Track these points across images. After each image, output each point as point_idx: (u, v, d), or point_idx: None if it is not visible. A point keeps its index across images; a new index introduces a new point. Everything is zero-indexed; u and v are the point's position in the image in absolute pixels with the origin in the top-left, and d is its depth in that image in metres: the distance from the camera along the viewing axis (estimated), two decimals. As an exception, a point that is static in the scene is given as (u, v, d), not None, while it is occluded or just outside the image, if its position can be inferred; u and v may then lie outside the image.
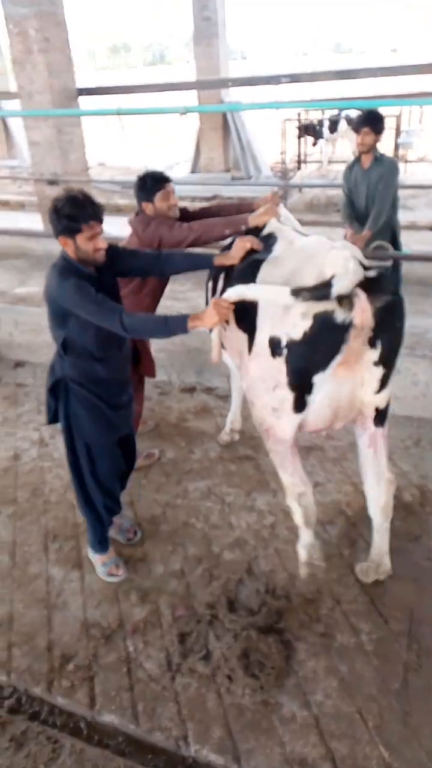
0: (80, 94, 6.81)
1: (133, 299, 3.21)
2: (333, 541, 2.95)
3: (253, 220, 2.78)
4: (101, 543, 2.88)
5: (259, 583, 2.72)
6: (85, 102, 7.27)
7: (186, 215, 3.26)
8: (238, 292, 2.30)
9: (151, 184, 3.10)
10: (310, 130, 10.72)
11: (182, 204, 3.28)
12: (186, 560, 2.91)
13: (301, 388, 2.27)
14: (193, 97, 11.07)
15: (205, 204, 4.06)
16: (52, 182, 6.87)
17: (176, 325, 2.34)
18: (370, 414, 2.42)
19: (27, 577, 2.90)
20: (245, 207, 3.14)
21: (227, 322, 2.41)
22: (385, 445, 2.54)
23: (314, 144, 11.20)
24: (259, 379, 2.38)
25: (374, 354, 2.23)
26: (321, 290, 2.07)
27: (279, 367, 2.27)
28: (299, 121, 10.79)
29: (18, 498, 3.43)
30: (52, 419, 2.71)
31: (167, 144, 15.85)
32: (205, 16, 10.44)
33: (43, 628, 2.62)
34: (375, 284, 2.13)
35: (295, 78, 6.06)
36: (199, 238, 2.97)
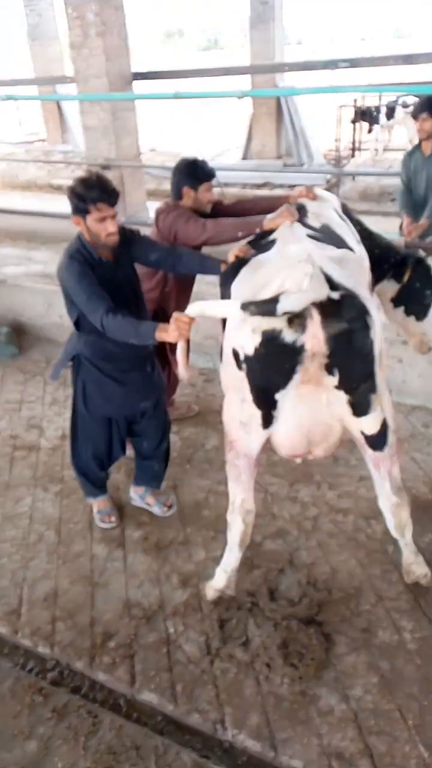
0: (135, 79, 6.83)
1: (158, 295, 3.22)
2: (377, 536, 2.90)
3: (267, 223, 2.63)
4: (88, 488, 3.14)
5: (301, 575, 2.71)
6: (138, 87, 7.28)
7: (220, 209, 3.20)
8: (196, 307, 2.24)
9: (202, 173, 3.05)
10: (365, 116, 10.47)
11: (233, 191, 3.25)
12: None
13: (266, 404, 2.14)
14: (247, 83, 10.96)
15: (256, 191, 4.00)
16: (104, 167, 6.92)
17: (145, 333, 2.35)
18: (359, 437, 2.24)
19: (71, 554, 2.97)
20: (282, 201, 3.08)
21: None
22: (390, 471, 2.35)
23: (369, 131, 10.93)
24: (230, 389, 2.29)
25: (333, 380, 2.05)
26: (267, 306, 1.93)
27: (243, 381, 2.16)
28: (355, 107, 10.55)
29: (65, 477, 3.50)
30: (56, 376, 3.06)
31: (218, 130, 15.75)
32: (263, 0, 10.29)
33: (86, 604, 2.68)
34: (335, 308, 1.95)
35: (353, 63, 5.90)
36: (211, 238, 2.91)
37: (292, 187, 9.73)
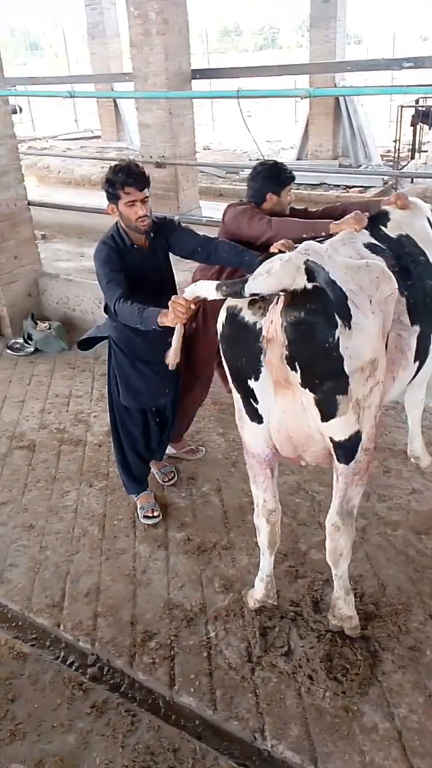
0: (194, 77, 6.84)
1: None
2: (428, 552, 2.81)
3: (333, 227, 2.53)
4: (131, 485, 3.19)
5: (346, 586, 2.65)
6: (196, 85, 7.28)
7: (296, 214, 3.14)
8: (191, 290, 2.25)
9: (285, 176, 2.94)
10: (427, 117, 10.22)
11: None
12: (271, 553, 2.88)
13: (243, 390, 2.14)
14: (305, 83, 10.85)
15: (311, 192, 3.85)
16: (159, 165, 6.96)
17: (148, 319, 2.35)
18: (329, 444, 2.12)
19: (115, 551, 2.98)
20: (365, 205, 2.99)
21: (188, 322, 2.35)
22: (346, 490, 2.19)
23: (430, 130, 10.67)
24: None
25: (296, 376, 1.97)
26: (236, 286, 1.97)
27: (225, 364, 2.21)
28: (416, 107, 10.30)
29: (110, 473, 3.52)
30: (83, 347, 3.13)
31: (272, 129, 15.65)
32: (325, -3, 10.16)
33: (128, 602, 2.68)
34: (301, 298, 1.88)
35: (418, 63, 5.77)
36: (275, 236, 2.78)
37: (348, 188, 9.60)
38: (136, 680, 2.37)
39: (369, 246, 2.28)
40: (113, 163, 2.75)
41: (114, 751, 2.11)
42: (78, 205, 8.27)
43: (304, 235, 2.71)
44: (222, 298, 2.07)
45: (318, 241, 2.37)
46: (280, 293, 1.90)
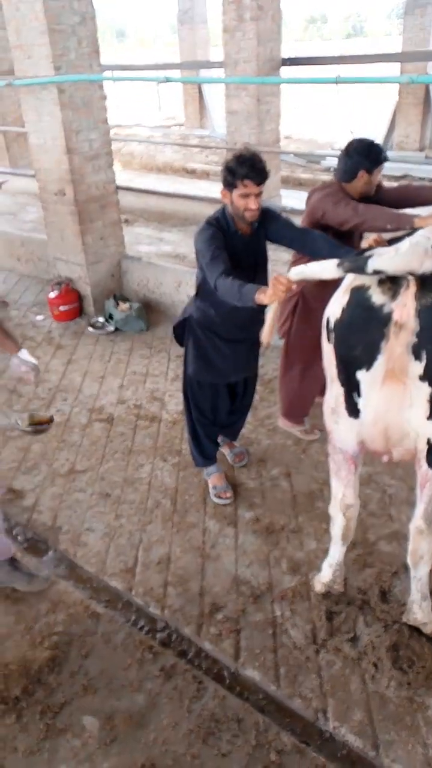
0: (284, 64, 6.80)
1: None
2: None
3: (418, 221, 2.52)
4: (199, 459, 3.31)
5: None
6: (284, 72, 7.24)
7: (378, 192, 3.11)
8: (299, 270, 2.21)
9: (381, 155, 2.93)
10: None
11: None
12: (340, 541, 2.89)
13: (348, 382, 2.04)
14: (394, 71, 10.54)
15: (393, 183, 3.78)
16: (242, 152, 6.98)
17: (247, 295, 2.35)
18: (422, 447, 2.06)
19: (185, 524, 3.06)
20: None
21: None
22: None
23: None
24: (326, 369, 2.20)
25: (419, 367, 1.89)
26: (359, 261, 1.88)
27: (330, 354, 2.09)
28: None
29: (183, 450, 3.60)
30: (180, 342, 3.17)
31: (355, 119, 15.32)
32: (422, -17, 9.83)
33: (197, 574, 2.76)
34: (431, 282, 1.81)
35: None
36: (361, 224, 2.81)
37: (433, 181, 9.29)
38: (202, 649, 2.44)
39: None
40: (212, 158, 2.81)
41: (180, 714, 2.20)
42: (161, 191, 8.42)
43: (389, 226, 2.69)
44: (341, 275, 1.99)
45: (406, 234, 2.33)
46: (409, 276, 1.83)
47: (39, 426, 2.75)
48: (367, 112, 16.11)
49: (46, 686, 2.30)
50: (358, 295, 1.95)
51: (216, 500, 3.20)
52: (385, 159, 2.94)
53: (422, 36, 10.11)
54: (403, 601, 2.52)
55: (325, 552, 2.71)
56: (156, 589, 2.69)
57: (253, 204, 2.60)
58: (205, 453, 3.29)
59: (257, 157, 2.58)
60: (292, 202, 7.34)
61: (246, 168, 2.53)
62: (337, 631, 2.44)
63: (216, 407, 3.18)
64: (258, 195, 2.61)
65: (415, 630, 2.39)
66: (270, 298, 2.26)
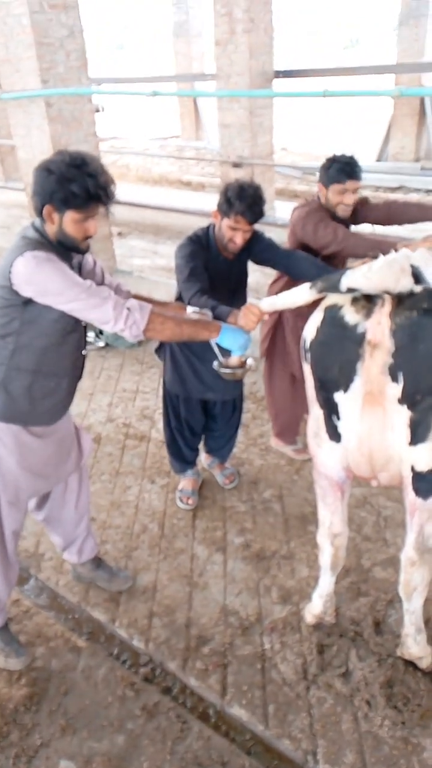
0: (277, 77, 6.77)
1: (283, 286, 3.11)
2: None
3: (401, 247, 2.44)
4: (177, 465, 3.29)
5: (411, 609, 2.51)
6: (278, 85, 7.20)
7: (364, 209, 3.02)
8: (269, 302, 2.18)
9: (333, 172, 2.84)
10: None
11: (365, 194, 3.04)
12: (333, 567, 2.78)
13: (327, 404, 1.96)
14: (390, 83, 10.56)
15: (389, 195, 3.70)
16: (236, 165, 6.93)
17: (220, 316, 2.32)
18: (407, 474, 1.95)
19: (173, 550, 2.96)
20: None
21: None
22: (424, 525, 2.04)
23: None
24: (307, 391, 2.11)
25: (396, 389, 1.80)
26: (332, 280, 1.83)
27: (309, 375, 2.02)
28: None
29: (172, 471, 3.50)
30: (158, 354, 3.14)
31: (350, 130, 15.35)
32: (416, -6, 9.85)
33: (184, 604, 2.65)
34: (411, 300, 1.73)
35: None
36: (340, 251, 2.75)
37: (429, 192, 9.26)
38: (187, 685, 2.33)
39: None
40: (208, 170, 2.79)
41: (162, 757, 2.08)
42: (155, 204, 8.38)
43: (370, 253, 2.59)
44: (316, 297, 1.93)
45: None
46: (384, 295, 1.77)
47: None
48: (363, 122, 16.15)
49: (22, 727, 2.19)
50: (332, 313, 1.89)
51: (178, 503, 3.23)
52: (338, 178, 2.83)
53: (416, 47, 10.10)
54: (398, 632, 2.41)
55: (317, 580, 2.61)
56: (140, 620, 2.59)
57: (239, 239, 2.60)
58: (182, 458, 3.26)
59: (259, 196, 2.52)
60: (287, 214, 7.30)
61: (244, 205, 2.49)
62: (328, 665, 2.33)
63: (188, 422, 3.13)
64: (247, 231, 2.59)
65: (410, 664, 2.29)
66: (242, 325, 2.22)
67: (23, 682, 2.33)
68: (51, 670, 2.39)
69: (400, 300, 1.75)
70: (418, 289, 1.74)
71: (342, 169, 2.84)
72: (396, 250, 2.39)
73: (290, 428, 3.55)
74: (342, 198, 2.87)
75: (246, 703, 2.24)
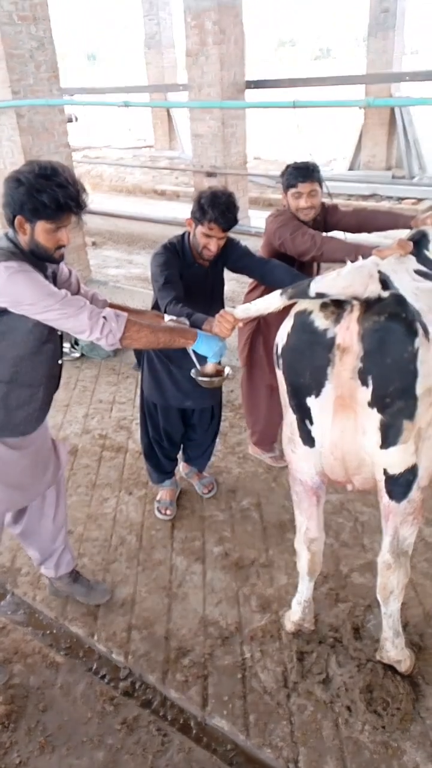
0: (248, 87, 6.83)
1: (259, 294, 3.13)
2: None
3: (377, 253, 2.46)
4: (155, 475, 3.29)
5: (389, 614, 2.53)
6: (250, 95, 7.27)
7: (334, 216, 3.05)
8: (243, 308, 2.20)
9: (289, 177, 2.88)
10: None
11: (337, 201, 3.08)
12: (311, 574, 2.79)
13: (299, 409, 1.97)
14: (360, 93, 10.74)
15: (362, 203, 3.75)
16: (210, 174, 6.97)
17: (195, 324, 2.33)
18: (380, 477, 1.96)
19: (151, 562, 2.94)
20: (403, 221, 2.86)
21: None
22: (398, 528, 2.04)
23: None
24: (281, 396, 2.13)
25: (366, 393, 1.81)
26: (301, 285, 1.86)
27: (282, 381, 2.04)
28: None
29: (149, 482, 3.49)
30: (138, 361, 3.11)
31: (323, 140, 15.53)
32: (384, 7, 10.05)
33: (163, 616, 2.63)
34: (379, 305, 1.76)
35: None
36: (319, 257, 2.76)
37: (400, 200, 9.42)
38: (168, 698, 2.31)
39: (419, 273, 2.05)
40: (182, 180, 2.79)
41: (143, 771, 2.06)
42: (129, 213, 8.38)
43: (348, 259, 2.60)
44: (287, 303, 1.95)
45: None
46: (353, 300, 1.78)
47: None
48: (335, 131, 16.35)
49: (0, 745, 2.15)
50: (302, 319, 1.90)
51: (156, 514, 3.22)
52: (292, 184, 2.86)
53: (385, 59, 10.29)
54: (377, 637, 2.42)
55: (296, 587, 2.61)
56: (119, 633, 2.56)
57: (213, 246, 2.61)
58: (160, 469, 3.25)
59: (232, 203, 2.54)
60: (261, 223, 7.35)
61: (217, 212, 2.50)
62: (308, 672, 2.34)
63: (167, 431, 3.11)
64: (221, 239, 2.60)
65: (390, 668, 2.30)
66: (216, 332, 2.23)
67: (1, 700, 2.29)
68: (29, 687, 2.35)
69: (369, 305, 1.77)
70: (385, 294, 1.77)
71: (294, 173, 2.88)
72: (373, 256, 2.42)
73: (268, 436, 3.56)
74: (298, 202, 2.89)
75: (227, 713, 2.23)
